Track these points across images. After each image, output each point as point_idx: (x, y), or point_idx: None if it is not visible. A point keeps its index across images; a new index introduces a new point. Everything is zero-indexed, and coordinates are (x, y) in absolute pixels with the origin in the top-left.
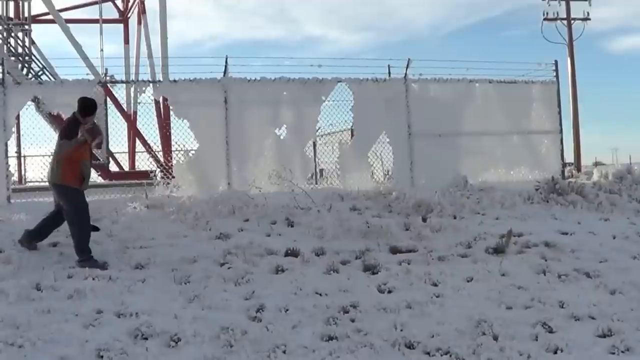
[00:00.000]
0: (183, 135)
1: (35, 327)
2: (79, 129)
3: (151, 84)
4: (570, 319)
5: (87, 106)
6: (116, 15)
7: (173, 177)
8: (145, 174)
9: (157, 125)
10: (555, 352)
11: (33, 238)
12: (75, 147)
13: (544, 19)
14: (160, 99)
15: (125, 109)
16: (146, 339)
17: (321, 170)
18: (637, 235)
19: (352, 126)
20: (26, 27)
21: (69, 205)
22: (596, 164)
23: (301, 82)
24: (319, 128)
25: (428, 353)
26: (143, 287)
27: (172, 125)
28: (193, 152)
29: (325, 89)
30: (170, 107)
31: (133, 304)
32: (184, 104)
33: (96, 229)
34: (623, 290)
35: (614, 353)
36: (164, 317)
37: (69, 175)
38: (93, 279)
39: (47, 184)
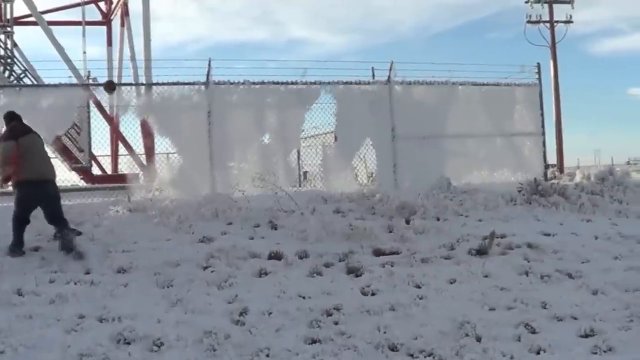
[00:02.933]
0: (166, 139)
1: (16, 332)
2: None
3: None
4: (552, 319)
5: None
6: (99, 18)
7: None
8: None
9: (140, 128)
10: (538, 353)
11: (19, 248)
12: None
13: (527, 22)
14: None
15: (108, 112)
16: (129, 343)
17: (305, 173)
18: (619, 236)
19: (335, 129)
20: (8, 29)
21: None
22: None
23: (285, 86)
24: (303, 130)
25: (411, 355)
26: (125, 292)
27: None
28: (176, 155)
29: (309, 92)
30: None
31: (115, 308)
32: (167, 107)
33: (78, 233)
34: (605, 290)
35: (596, 353)
36: (146, 322)
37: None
38: (75, 283)
39: None
